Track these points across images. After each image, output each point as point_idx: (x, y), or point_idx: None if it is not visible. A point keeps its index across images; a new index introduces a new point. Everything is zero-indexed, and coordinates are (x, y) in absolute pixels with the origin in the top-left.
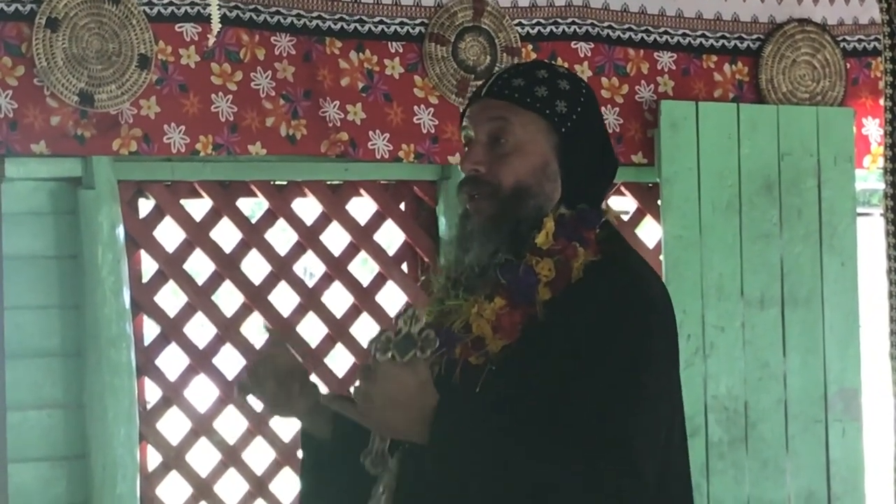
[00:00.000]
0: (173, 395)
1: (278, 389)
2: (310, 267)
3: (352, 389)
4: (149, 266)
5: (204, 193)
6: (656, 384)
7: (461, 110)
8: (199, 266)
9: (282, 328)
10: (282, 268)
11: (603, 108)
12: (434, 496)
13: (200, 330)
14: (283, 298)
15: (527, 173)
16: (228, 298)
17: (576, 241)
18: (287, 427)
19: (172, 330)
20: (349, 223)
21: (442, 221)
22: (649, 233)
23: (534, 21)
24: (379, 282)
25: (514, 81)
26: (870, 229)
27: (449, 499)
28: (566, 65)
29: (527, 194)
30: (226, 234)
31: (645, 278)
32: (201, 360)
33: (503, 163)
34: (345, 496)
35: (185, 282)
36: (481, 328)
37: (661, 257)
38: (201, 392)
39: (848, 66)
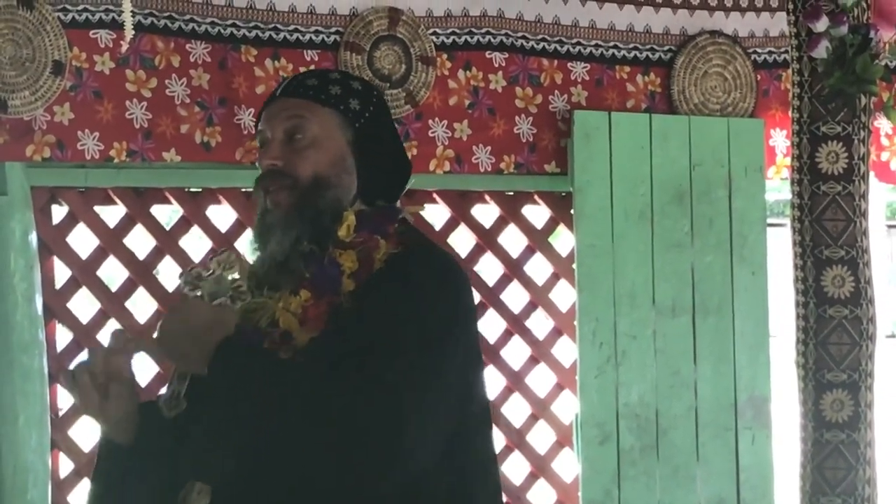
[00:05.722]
0: None
1: (92, 391)
2: None
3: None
4: (62, 273)
5: (118, 200)
6: (443, 367)
7: (258, 113)
8: (113, 273)
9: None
10: None
11: (517, 118)
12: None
13: None
14: None
15: (324, 165)
16: (142, 305)
17: (377, 234)
18: None
19: (85, 337)
20: None
21: None
22: (562, 242)
23: (449, 30)
24: None
25: (309, 81)
26: (782, 239)
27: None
28: (481, 74)
29: (325, 185)
30: (140, 241)
31: (443, 264)
32: None
33: (300, 156)
34: None
35: (99, 288)
36: (288, 322)
37: (574, 266)
38: None
39: (758, 77)
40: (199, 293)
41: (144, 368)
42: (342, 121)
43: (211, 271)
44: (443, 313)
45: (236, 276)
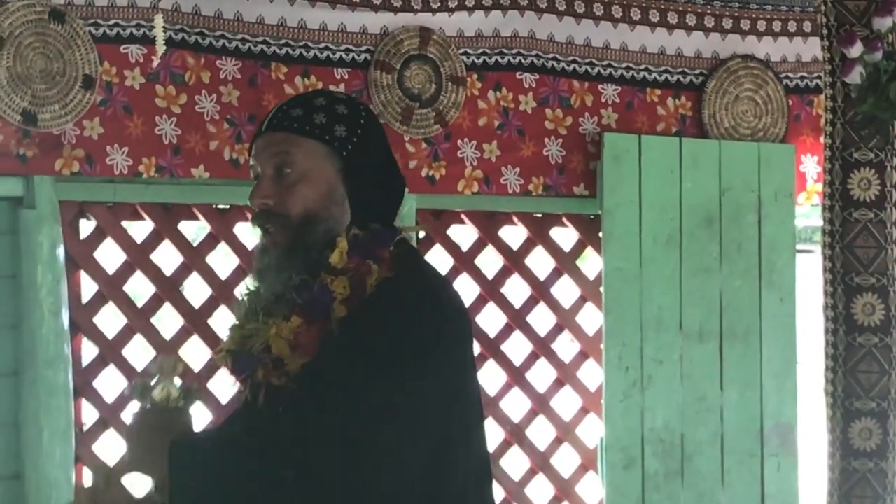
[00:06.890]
0: (110, 417)
1: None
2: None
3: None
4: (89, 287)
5: (146, 215)
6: (417, 397)
7: (249, 146)
8: (140, 288)
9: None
10: (223, 291)
11: (546, 140)
12: None
13: (139, 352)
14: (224, 322)
15: (314, 200)
16: (168, 321)
17: (370, 259)
18: None
19: (111, 352)
20: None
21: None
22: (590, 264)
23: (479, 51)
24: None
25: (293, 112)
26: (811, 265)
27: None
28: (511, 95)
29: (316, 220)
30: (167, 257)
31: (429, 291)
32: None
33: (290, 193)
34: None
35: (125, 304)
36: (280, 348)
37: (602, 289)
38: None
39: (790, 102)
40: (148, 405)
41: None
42: (329, 151)
43: (156, 379)
44: (417, 345)
45: (178, 380)
